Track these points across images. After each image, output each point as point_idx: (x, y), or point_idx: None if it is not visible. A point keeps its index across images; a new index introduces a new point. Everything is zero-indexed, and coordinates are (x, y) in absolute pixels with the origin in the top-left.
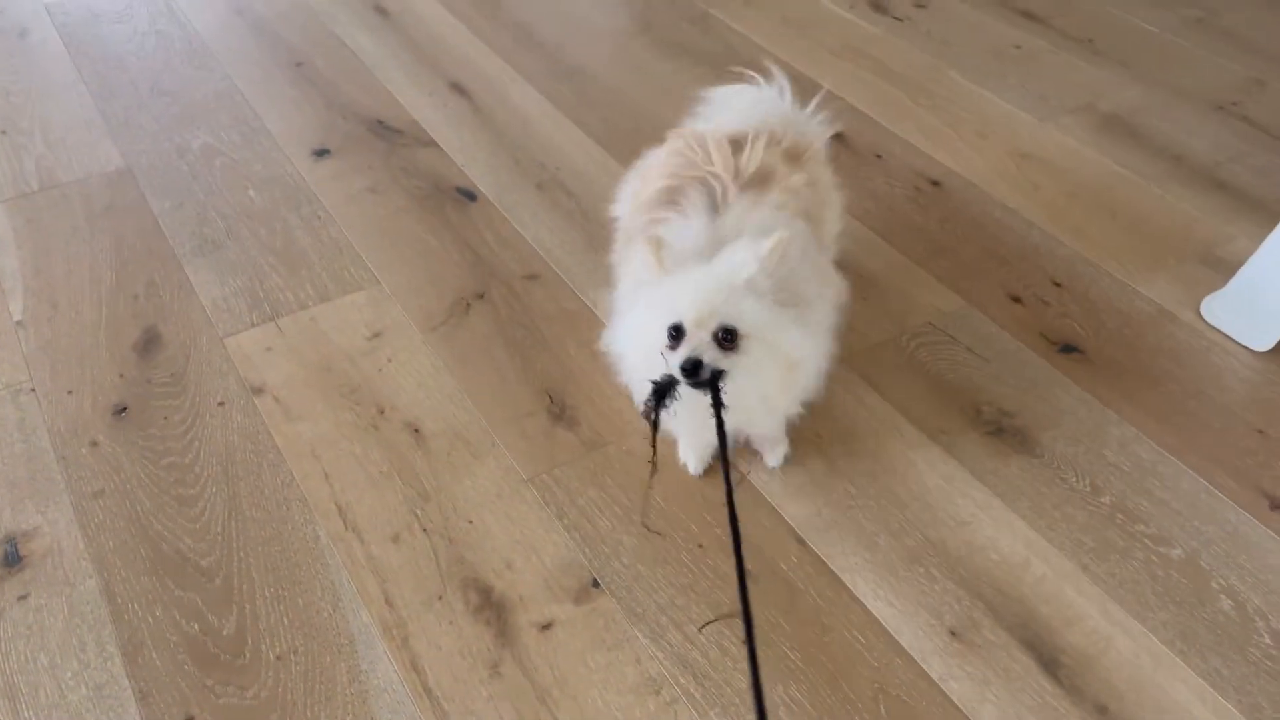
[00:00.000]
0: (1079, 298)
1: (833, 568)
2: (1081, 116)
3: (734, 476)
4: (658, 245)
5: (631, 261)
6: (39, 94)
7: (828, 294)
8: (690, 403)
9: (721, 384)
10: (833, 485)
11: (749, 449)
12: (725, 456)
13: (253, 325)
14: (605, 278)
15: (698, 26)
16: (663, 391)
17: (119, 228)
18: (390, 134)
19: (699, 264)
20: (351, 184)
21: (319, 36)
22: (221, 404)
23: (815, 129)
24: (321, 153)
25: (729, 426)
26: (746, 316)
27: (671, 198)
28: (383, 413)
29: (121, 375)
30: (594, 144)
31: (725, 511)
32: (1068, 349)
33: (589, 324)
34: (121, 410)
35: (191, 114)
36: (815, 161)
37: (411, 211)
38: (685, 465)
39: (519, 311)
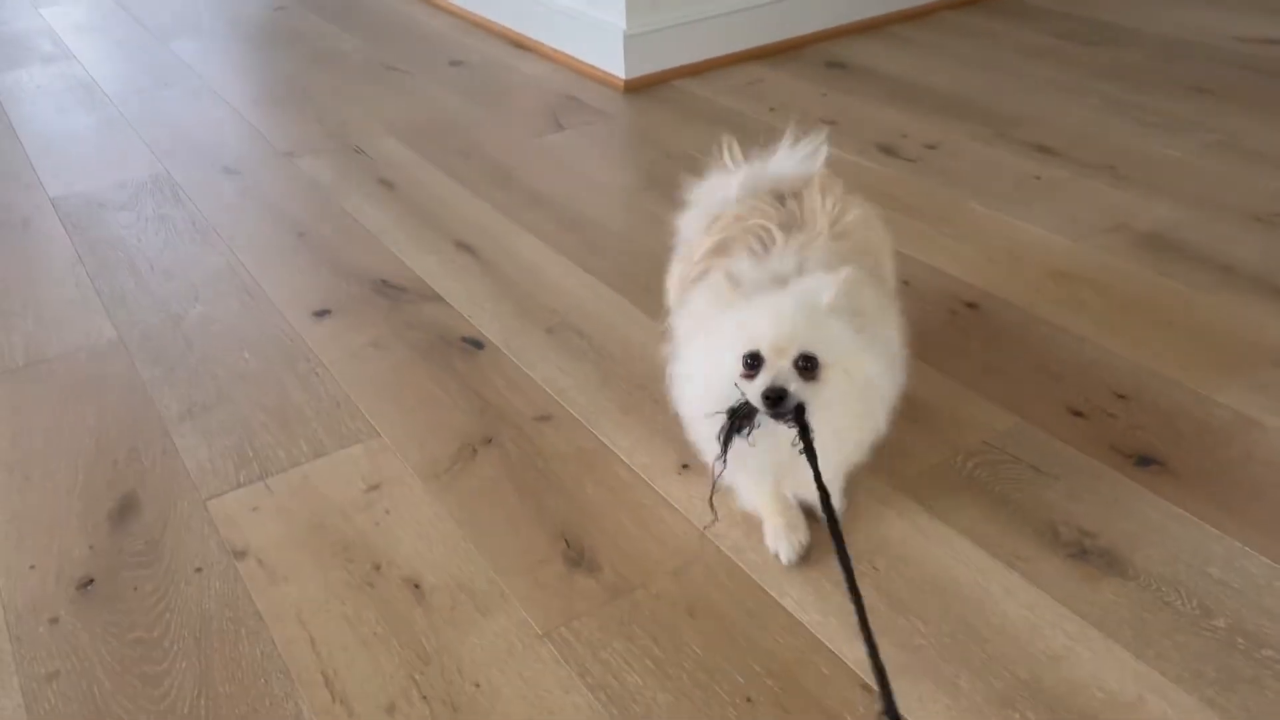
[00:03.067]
0: (1149, 409)
1: None
2: (1118, 235)
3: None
4: (731, 278)
5: (695, 301)
6: (35, 278)
7: (893, 322)
8: (762, 438)
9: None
10: (897, 623)
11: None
12: (821, 486)
13: (239, 486)
14: (623, 411)
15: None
16: (740, 420)
17: (104, 397)
18: (394, 291)
19: (771, 292)
20: (352, 341)
21: (323, 209)
22: (199, 570)
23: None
24: (322, 313)
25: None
26: (828, 343)
27: (726, 249)
28: (379, 569)
29: (91, 546)
30: (605, 287)
31: (775, 658)
32: (1146, 461)
33: (607, 462)
34: (88, 583)
35: (190, 287)
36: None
37: (415, 364)
38: (776, 554)
39: (531, 454)
